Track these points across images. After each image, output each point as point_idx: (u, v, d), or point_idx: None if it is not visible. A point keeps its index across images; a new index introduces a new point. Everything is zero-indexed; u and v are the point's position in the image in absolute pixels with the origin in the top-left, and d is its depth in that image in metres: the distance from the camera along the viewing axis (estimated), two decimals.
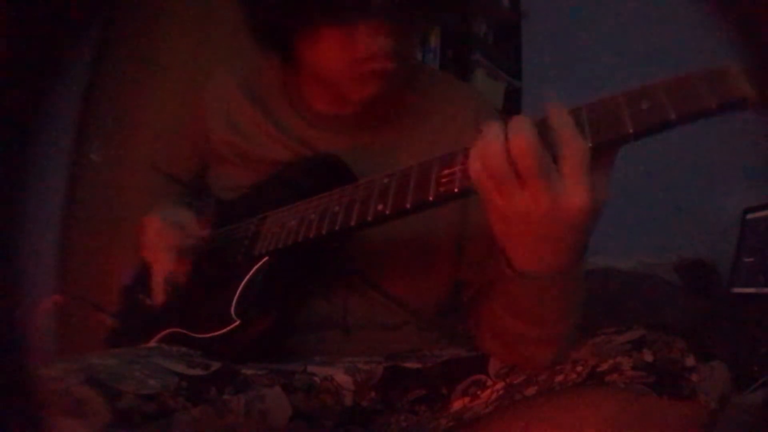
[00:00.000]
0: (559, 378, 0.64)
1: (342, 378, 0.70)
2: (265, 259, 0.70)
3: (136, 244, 0.80)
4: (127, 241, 0.84)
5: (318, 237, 0.65)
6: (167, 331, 0.73)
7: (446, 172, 0.55)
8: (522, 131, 0.48)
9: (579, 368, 0.63)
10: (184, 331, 0.71)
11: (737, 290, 1.55)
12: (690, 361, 0.58)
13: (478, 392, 0.68)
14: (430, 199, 0.56)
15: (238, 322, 0.66)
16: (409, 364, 0.72)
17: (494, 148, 0.49)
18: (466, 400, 0.68)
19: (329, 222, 0.64)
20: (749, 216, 1.61)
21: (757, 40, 0.41)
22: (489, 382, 0.68)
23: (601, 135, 0.48)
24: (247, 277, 0.69)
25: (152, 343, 0.73)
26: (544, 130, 0.49)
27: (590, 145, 0.48)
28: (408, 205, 0.57)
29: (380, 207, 0.60)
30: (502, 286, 0.60)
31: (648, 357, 0.59)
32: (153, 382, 0.54)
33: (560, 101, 0.51)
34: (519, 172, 0.48)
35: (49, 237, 1.46)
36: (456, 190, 0.54)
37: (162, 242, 0.75)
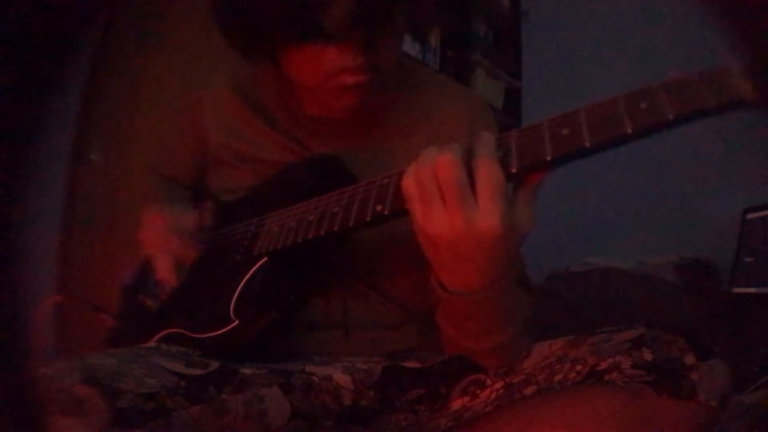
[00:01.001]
0: (559, 377, 0.63)
1: (341, 377, 0.70)
2: (265, 259, 0.70)
3: (136, 244, 0.80)
4: (127, 242, 0.84)
5: (317, 237, 0.65)
6: (167, 331, 0.73)
7: None
8: (447, 156, 0.52)
9: (578, 367, 0.62)
10: (184, 331, 0.71)
11: (737, 290, 1.55)
12: (689, 359, 0.58)
13: (478, 391, 0.68)
14: None
15: (236, 322, 0.66)
16: (408, 364, 0.72)
17: (426, 169, 0.53)
18: (466, 399, 0.68)
19: (328, 222, 0.64)
20: (749, 216, 1.61)
21: (756, 39, 0.41)
22: (488, 382, 0.68)
23: (602, 135, 0.48)
24: (246, 277, 0.69)
25: (151, 343, 0.73)
26: (470, 156, 0.53)
27: (589, 144, 0.48)
28: (406, 206, 0.57)
29: (379, 208, 0.60)
30: (439, 301, 0.63)
31: (647, 356, 0.59)
32: (152, 382, 0.54)
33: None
34: (442, 195, 0.52)
35: (49, 237, 1.46)
36: None
37: (162, 238, 0.75)
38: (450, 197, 0.52)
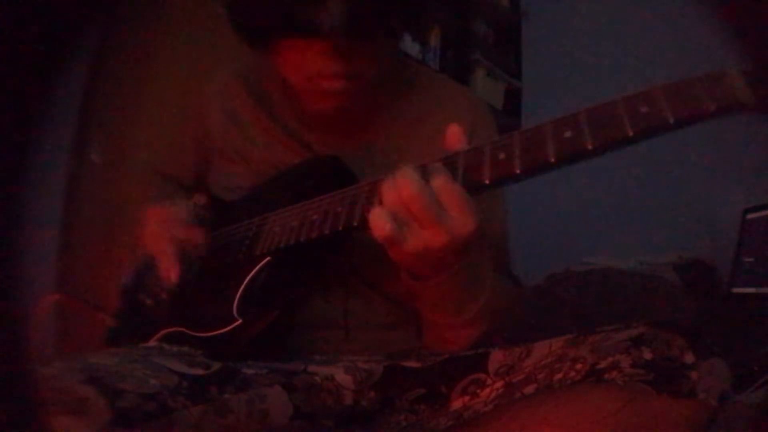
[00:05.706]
0: (558, 376, 0.63)
1: (342, 377, 0.70)
2: (268, 258, 0.70)
3: (136, 243, 0.80)
4: (127, 241, 0.84)
5: (320, 237, 0.65)
6: (168, 330, 0.73)
7: None
8: (407, 183, 0.55)
9: (578, 366, 0.62)
10: (185, 330, 0.71)
11: (737, 290, 1.55)
12: (689, 358, 0.58)
13: (478, 391, 0.68)
14: None
15: (240, 321, 0.66)
16: (408, 363, 0.72)
17: (394, 200, 0.57)
18: (466, 398, 0.68)
19: (331, 222, 0.64)
20: (749, 216, 1.61)
21: (757, 44, 0.41)
22: (488, 381, 0.68)
23: (602, 137, 0.48)
24: (249, 276, 0.69)
25: (152, 342, 0.73)
26: (426, 174, 0.56)
27: (590, 147, 0.48)
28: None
29: None
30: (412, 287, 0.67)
31: (647, 354, 0.59)
32: (153, 382, 0.54)
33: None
34: (415, 218, 0.56)
35: (49, 237, 1.46)
36: None
37: (165, 229, 0.74)
38: (424, 217, 0.55)
